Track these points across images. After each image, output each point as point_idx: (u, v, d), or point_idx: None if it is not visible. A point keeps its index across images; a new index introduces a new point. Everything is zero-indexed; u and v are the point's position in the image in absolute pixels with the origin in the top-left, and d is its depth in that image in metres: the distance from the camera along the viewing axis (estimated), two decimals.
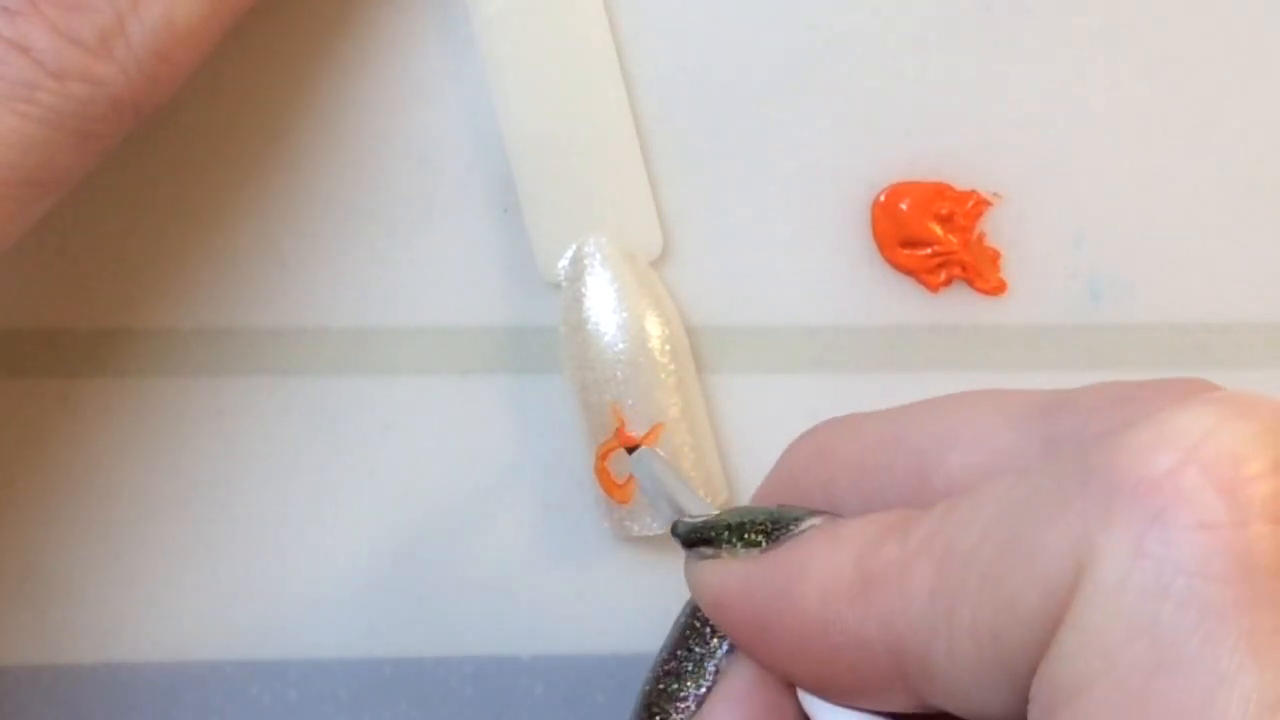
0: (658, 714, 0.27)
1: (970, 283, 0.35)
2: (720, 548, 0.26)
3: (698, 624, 0.27)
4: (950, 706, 0.23)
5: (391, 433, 0.35)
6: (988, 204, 0.35)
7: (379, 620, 0.35)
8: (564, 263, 0.34)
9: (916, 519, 0.23)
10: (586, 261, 0.34)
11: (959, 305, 0.35)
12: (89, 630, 0.35)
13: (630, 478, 0.33)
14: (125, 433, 0.34)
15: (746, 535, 0.25)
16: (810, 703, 0.25)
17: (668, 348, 0.34)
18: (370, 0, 0.34)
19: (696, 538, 0.26)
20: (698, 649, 0.27)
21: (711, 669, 0.27)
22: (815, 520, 0.25)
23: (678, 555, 0.34)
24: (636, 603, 0.35)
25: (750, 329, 0.35)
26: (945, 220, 0.34)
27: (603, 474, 0.34)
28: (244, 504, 0.35)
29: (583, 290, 0.34)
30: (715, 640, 0.27)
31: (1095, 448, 0.21)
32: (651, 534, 0.34)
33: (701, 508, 0.27)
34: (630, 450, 0.33)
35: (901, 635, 0.22)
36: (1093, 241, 0.35)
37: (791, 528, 0.25)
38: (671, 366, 0.34)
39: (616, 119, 0.34)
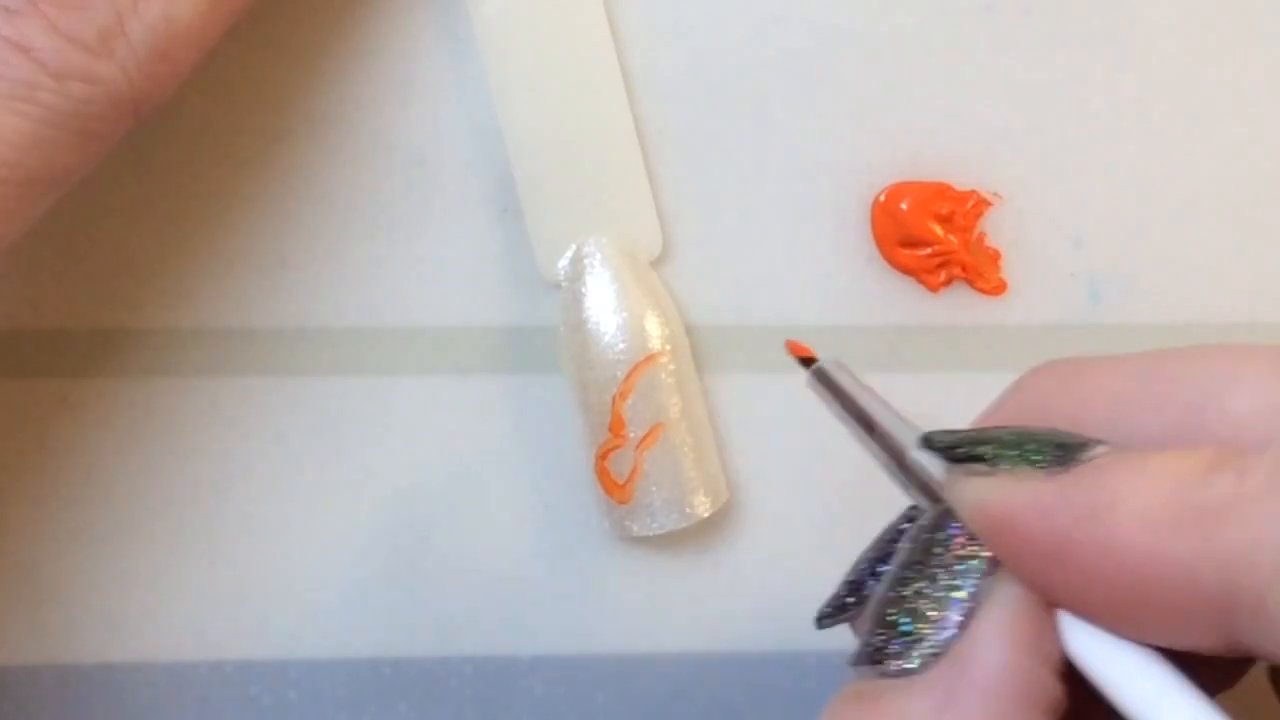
0: (899, 619, 0.24)
1: (970, 283, 0.35)
2: (994, 465, 0.24)
3: (942, 536, 0.24)
4: (1275, 652, 0.22)
5: (391, 433, 0.35)
6: (988, 204, 0.34)
7: (379, 620, 0.35)
8: (564, 263, 0.34)
9: (1251, 455, 0.22)
10: (586, 261, 0.34)
11: (959, 305, 0.35)
12: (89, 630, 0.35)
13: (631, 477, 0.33)
14: (125, 433, 0.34)
15: (1030, 456, 0.23)
16: (1077, 633, 0.23)
17: (668, 348, 0.34)
18: (370, 0, 0.34)
19: (965, 453, 0.24)
20: (953, 565, 0.24)
21: (968, 588, 0.24)
22: (1102, 448, 0.23)
23: (677, 555, 0.34)
24: (636, 603, 0.35)
25: (750, 329, 0.35)
26: (945, 220, 0.34)
27: (603, 474, 0.34)
28: (244, 504, 0.35)
29: (583, 290, 0.34)
30: (975, 561, 0.24)
31: None
32: (651, 534, 0.34)
33: (899, 426, 0.25)
34: (806, 363, 0.27)
35: (1241, 572, 0.21)
36: (1093, 241, 0.35)
37: (1082, 453, 0.23)
38: (671, 366, 0.34)
39: (616, 119, 0.34)
